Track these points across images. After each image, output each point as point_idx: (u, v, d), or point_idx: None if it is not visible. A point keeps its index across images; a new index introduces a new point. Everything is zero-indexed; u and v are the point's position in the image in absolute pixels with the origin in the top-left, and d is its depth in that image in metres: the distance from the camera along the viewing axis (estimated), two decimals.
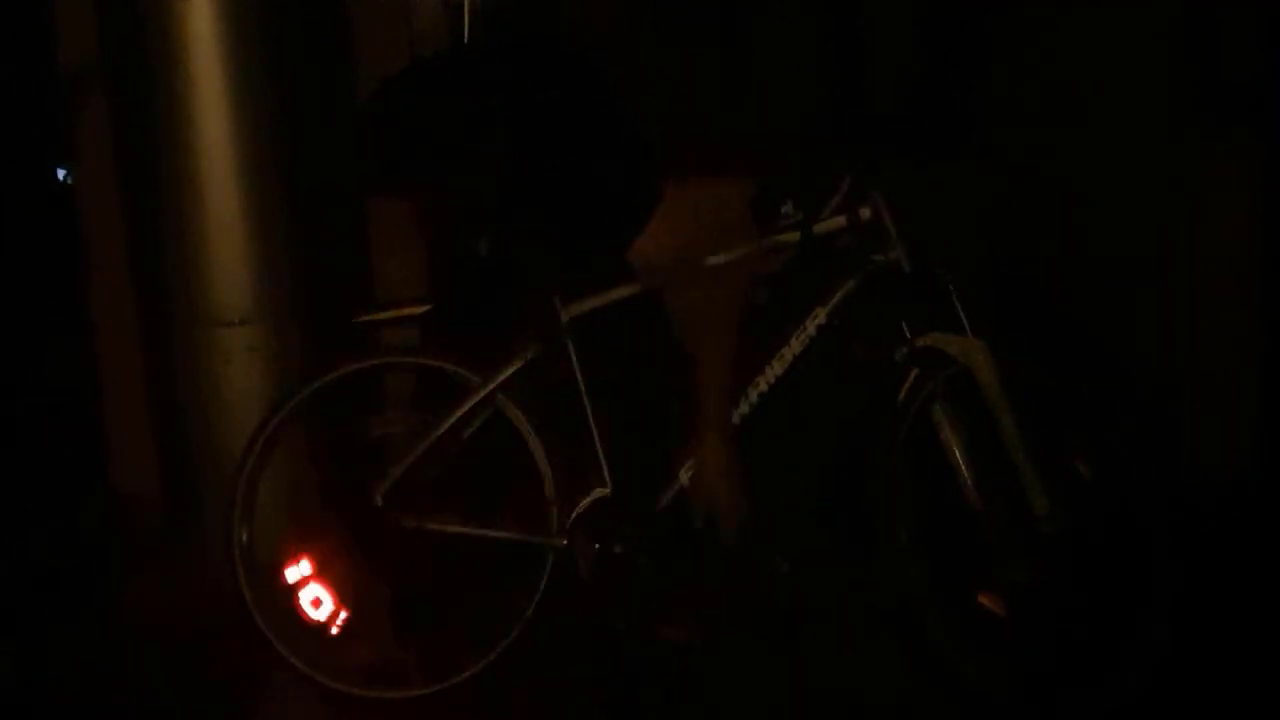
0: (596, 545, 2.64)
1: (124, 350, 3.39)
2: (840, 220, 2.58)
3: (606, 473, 2.63)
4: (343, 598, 2.73)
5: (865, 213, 2.56)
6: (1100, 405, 2.48)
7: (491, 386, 2.64)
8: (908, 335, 2.56)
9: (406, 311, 2.79)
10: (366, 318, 2.87)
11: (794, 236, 2.60)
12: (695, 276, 2.57)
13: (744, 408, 2.61)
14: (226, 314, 3.09)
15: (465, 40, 3.39)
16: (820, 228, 2.58)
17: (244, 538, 2.68)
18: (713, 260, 2.63)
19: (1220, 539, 3.05)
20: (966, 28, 3.52)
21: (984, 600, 2.54)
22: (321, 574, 2.72)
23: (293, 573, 2.72)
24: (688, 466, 2.65)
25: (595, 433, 2.63)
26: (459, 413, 2.65)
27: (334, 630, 2.72)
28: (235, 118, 3.05)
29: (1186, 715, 2.51)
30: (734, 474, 2.62)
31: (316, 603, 2.72)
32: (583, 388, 2.61)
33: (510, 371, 2.64)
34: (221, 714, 2.73)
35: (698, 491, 2.64)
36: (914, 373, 2.55)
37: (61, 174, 3.67)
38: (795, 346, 2.60)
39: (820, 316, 2.60)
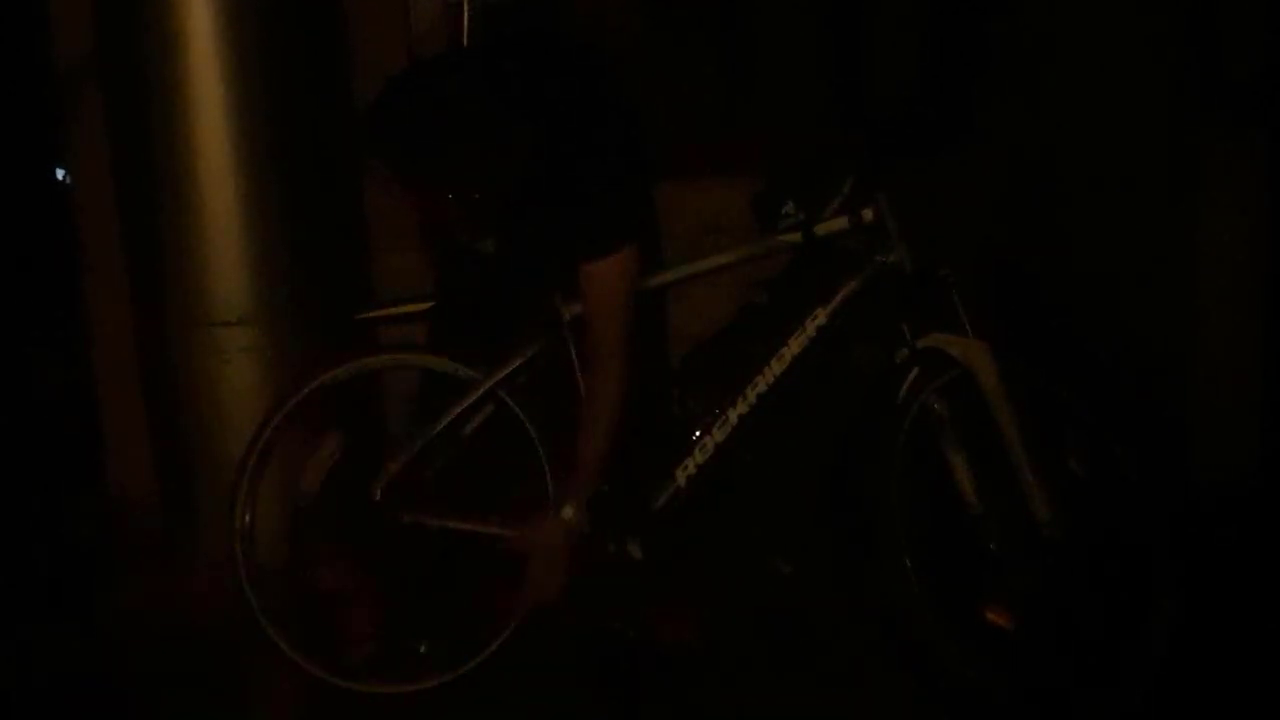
0: (592, 542, 2.64)
1: (121, 350, 3.38)
2: (842, 221, 2.58)
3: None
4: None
5: (868, 214, 2.56)
6: (1102, 407, 2.48)
7: (491, 383, 2.64)
8: (909, 336, 2.56)
9: (408, 308, 2.79)
10: (368, 314, 2.87)
11: (795, 237, 2.60)
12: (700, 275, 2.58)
13: (742, 408, 2.61)
14: (224, 314, 3.08)
15: (465, 40, 3.39)
16: (822, 228, 2.59)
17: (245, 526, 2.68)
18: (719, 259, 2.63)
19: (1224, 541, 3.06)
20: (969, 28, 3.52)
21: (990, 615, 2.53)
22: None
23: None
24: (683, 467, 2.64)
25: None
26: (459, 409, 2.65)
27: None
28: (233, 117, 3.05)
29: (1191, 717, 2.50)
30: (564, 559, 2.61)
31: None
32: (582, 386, 2.61)
33: (511, 368, 2.65)
34: (218, 713, 2.73)
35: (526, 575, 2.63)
36: (914, 373, 2.55)
37: (60, 174, 3.66)
38: (794, 347, 2.60)
39: (820, 317, 2.59)
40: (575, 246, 2.52)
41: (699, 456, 2.64)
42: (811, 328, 2.60)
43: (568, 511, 2.59)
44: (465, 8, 3.35)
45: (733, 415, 2.62)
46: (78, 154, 3.53)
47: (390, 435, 2.87)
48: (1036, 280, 3.34)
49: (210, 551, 2.90)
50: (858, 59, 3.58)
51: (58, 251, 3.60)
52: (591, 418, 2.57)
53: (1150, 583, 2.44)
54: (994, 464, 2.50)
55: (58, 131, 3.57)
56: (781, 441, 2.80)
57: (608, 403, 2.55)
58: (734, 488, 2.79)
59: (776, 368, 2.61)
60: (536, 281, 2.63)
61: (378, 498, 2.64)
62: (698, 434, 2.64)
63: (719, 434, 2.63)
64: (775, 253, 2.64)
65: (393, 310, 2.82)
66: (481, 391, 2.65)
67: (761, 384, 2.62)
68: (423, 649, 2.72)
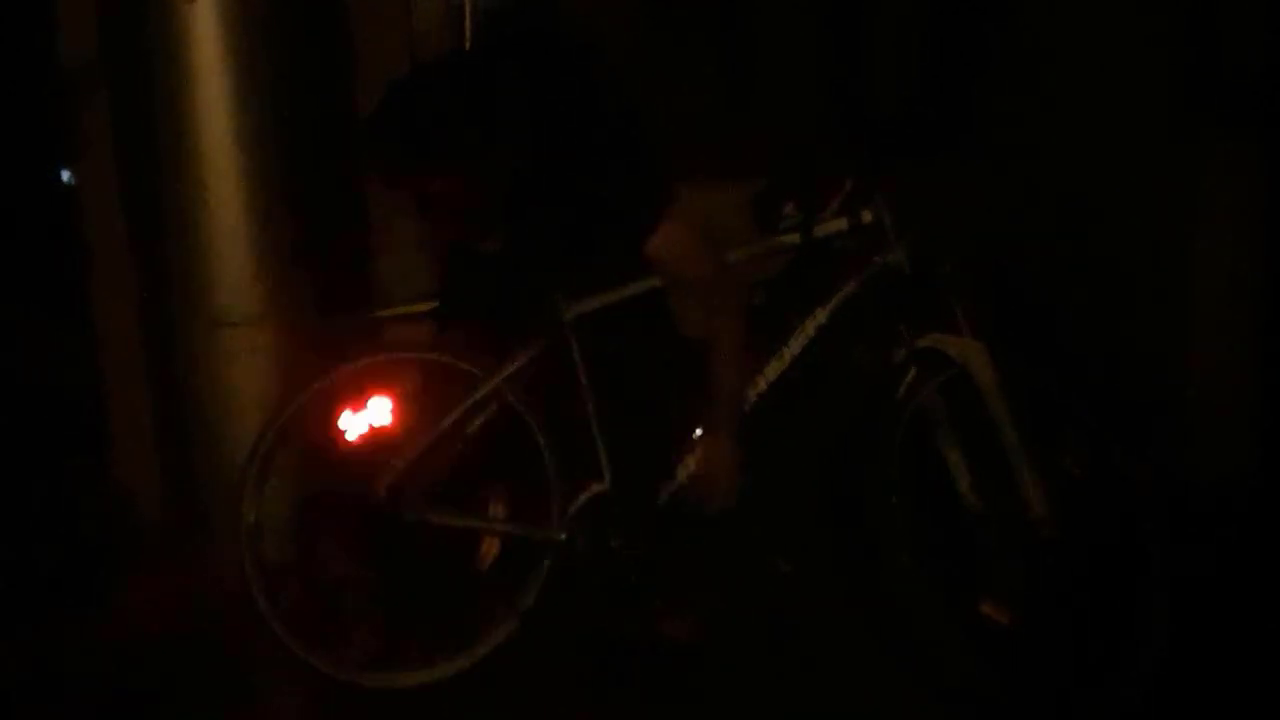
0: (594, 540, 2.65)
1: (127, 350, 3.39)
2: (841, 222, 2.60)
3: (606, 468, 2.65)
4: None
5: (866, 215, 2.58)
6: (1099, 407, 2.49)
7: (495, 381, 2.66)
8: (907, 336, 2.58)
9: (412, 308, 2.81)
10: (373, 315, 2.89)
11: (795, 238, 2.61)
12: (710, 273, 2.59)
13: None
14: (229, 314, 3.09)
15: (466, 40, 3.40)
16: (821, 229, 2.60)
17: (252, 524, 2.70)
18: (730, 256, 2.65)
19: (1223, 541, 3.06)
20: (969, 28, 3.52)
21: (987, 610, 2.54)
22: None
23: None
24: (687, 463, 2.65)
25: (596, 429, 2.64)
26: (463, 407, 2.67)
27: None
28: (238, 118, 3.05)
29: (1189, 716, 2.51)
30: (735, 469, 2.65)
31: None
32: (585, 384, 2.63)
33: (514, 367, 2.67)
34: (221, 713, 2.74)
35: (699, 482, 2.66)
36: (912, 373, 2.56)
37: (65, 174, 3.67)
38: (794, 347, 2.62)
39: (820, 317, 2.61)
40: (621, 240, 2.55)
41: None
42: (811, 328, 2.61)
43: (723, 439, 2.63)
44: (467, 9, 3.36)
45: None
46: (83, 155, 3.54)
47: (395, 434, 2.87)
48: (1035, 280, 3.34)
49: (216, 549, 2.91)
50: (857, 59, 3.58)
51: (64, 252, 3.61)
52: (719, 361, 2.60)
53: (1149, 581, 2.45)
54: (991, 463, 2.51)
55: (64, 132, 3.57)
56: (781, 441, 2.82)
57: (732, 342, 2.60)
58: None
59: (776, 367, 2.63)
60: (539, 281, 2.65)
61: (382, 495, 2.66)
62: (699, 433, 2.65)
63: None
64: (775, 254, 2.65)
65: (397, 311, 2.84)
66: (485, 391, 2.66)
67: (761, 383, 2.64)
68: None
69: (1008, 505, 2.50)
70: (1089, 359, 3.13)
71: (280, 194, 3.12)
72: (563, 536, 2.65)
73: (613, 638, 2.77)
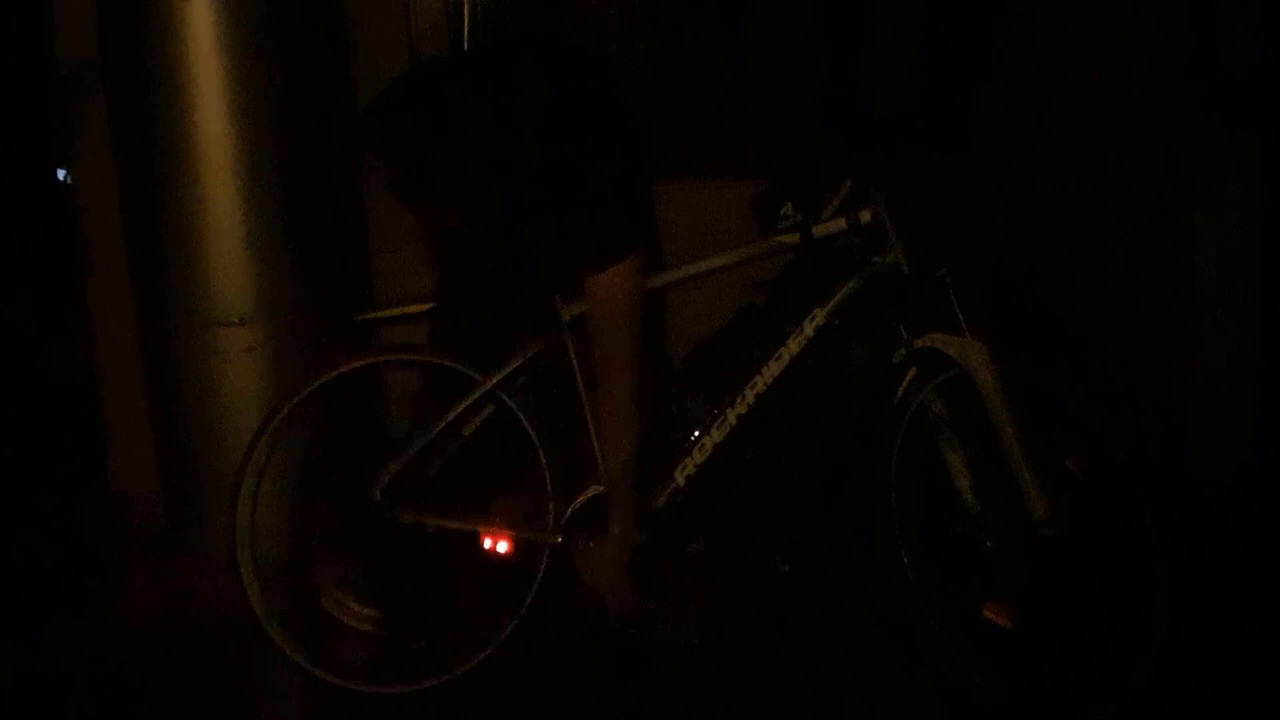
0: (591, 543, 2.65)
1: (124, 349, 3.39)
2: (840, 222, 2.59)
3: (603, 471, 2.64)
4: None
5: (865, 215, 2.57)
6: (1099, 406, 2.48)
7: (491, 383, 2.65)
8: (906, 337, 2.57)
9: (408, 309, 2.80)
10: (368, 315, 2.89)
11: (793, 238, 2.60)
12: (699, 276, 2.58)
13: (741, 408, 2.62)
14: (226, 314, 3.09)
15: (465, 40, 3.40)
16: (820, 229, 2.59)
17: (247, 526, 2.69)
18: (717, 260, 2.64)
19: (1223, 539, 3.06)
20: (967, 29, 3.52)
21: (989, 614, 2.53)
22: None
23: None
24: (682, 467, 2.65)
25: (593, 431, 2.63)
26: (459, 409, 2.66)
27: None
28: (235, 117, 3.06)
29: (1188, 715, 2.51)
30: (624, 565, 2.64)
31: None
32: (581, 385, 2.62)
33: (511, 369, 2.66)
34: (220, 712, 2.74)
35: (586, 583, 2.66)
36: (912, 374, 2.56)
37: (61, 174, 3.67)
38: (793, 347, 2.61)
39: (819, 318, 2.60)
40: (580, 256, 2.52)
41: (698, 456, 2.65)
42: (810, 328, 2.61)
43: (616, 529, 2.62)
44: (466, 8, 3.35)
45: (731, 415, 2.63)
46: (81, 156, 3.54)
47: (390, 435, 2.87)
48: (1035, 280, 3.34)
49: (212, 550, 2.91)
50: (857, 60, 3.58)
51: (61, 253, 3.61)
52: (611, 431, 2.59)
53: (1148, 581, 2.45)
54: (991, 463, 2.51)
55: (61, 134, 3.57)
56: (780, 441, 2.81)
57: (625, 414, 2.57)
58: (733, 487, 2.80)
59: (775, 368, 2.62)
60: (536, 282, 2.64)
61: (378, 498, 2.65)
62: (696, 434, 2.65)
63: (718, 434, 2.64)
64: (774, 254, 2.65)
65: (393, 311, 2.83)
66: (481, 392, 2.66)
67: (760, 384, 2.62)
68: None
69: (1008, 505, 2.49)
70: (1089, 358, 3.13)
71: (277, 194, 3.12)
72: (560, 539, 2.65)
73: (612, 637, 2.76)
